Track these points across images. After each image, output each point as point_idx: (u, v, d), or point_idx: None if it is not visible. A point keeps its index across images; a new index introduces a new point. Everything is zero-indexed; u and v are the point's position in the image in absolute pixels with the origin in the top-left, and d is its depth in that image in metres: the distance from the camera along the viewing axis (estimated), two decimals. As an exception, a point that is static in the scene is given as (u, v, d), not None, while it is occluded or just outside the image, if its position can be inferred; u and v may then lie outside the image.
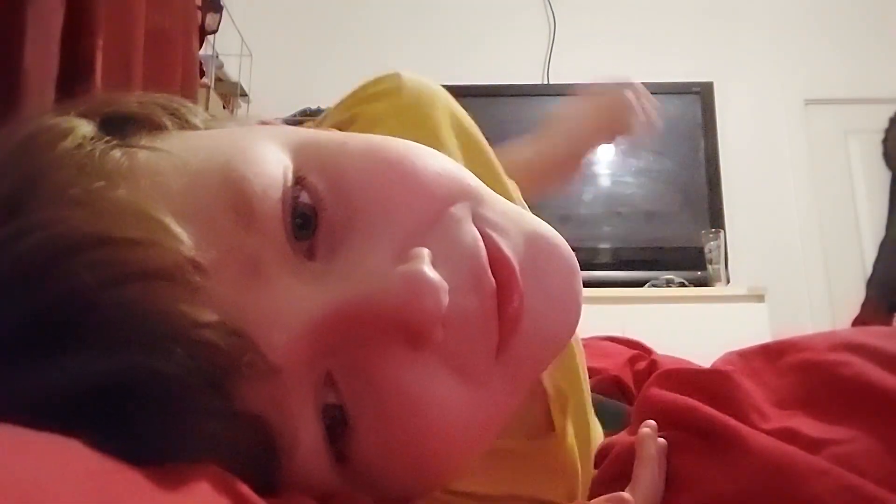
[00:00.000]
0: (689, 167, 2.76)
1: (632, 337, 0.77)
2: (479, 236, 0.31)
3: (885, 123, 2.24)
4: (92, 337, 0.23)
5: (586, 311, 0.35)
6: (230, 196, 0.27)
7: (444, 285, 0.27)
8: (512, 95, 2.74)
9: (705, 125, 2.79)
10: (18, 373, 0.23)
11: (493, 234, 0.31)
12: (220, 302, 0.25)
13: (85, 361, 0.23)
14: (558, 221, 0.56)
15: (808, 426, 0.34)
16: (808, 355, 0.38)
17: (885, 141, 2.25)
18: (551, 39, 2.95)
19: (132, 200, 0.25)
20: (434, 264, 0.28)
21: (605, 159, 2.79)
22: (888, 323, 1.82)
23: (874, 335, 0.38)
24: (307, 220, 0.29)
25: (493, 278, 0.30)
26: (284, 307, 0.26)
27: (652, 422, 0.37)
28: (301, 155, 0.30)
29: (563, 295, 0.33)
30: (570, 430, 0.46)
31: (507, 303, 0.30)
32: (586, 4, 2.99)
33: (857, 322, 1.89)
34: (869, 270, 2.11)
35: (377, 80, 0.50)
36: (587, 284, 0.37)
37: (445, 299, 0.27)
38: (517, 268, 0.30)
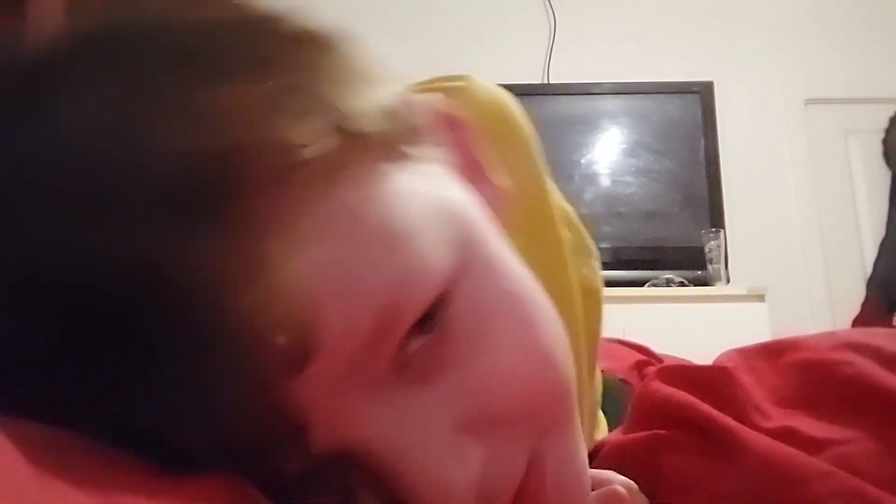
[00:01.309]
0: (689, 167, 2.76)
1: (632, 336, 0.77)
2: (524, 470, 0.28)
3: (885, 123, 2.24)
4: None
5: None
6: (385, 303, 0.24)
7: None
8: (512, 95, 2.74)
9: (705, 125, 2.79)
10: None
11: (535, 475, 0.28)
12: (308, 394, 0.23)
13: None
14: (558, 221, 0.56)
15: (809, 426, 0.34)
16: (808, 354, 0.38)
17: (885, 141, 2.24)
18: (551, 39, 2.95)
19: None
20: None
21: (605, 159, 2.79)
22: (888, 323, 1.82)
23: (875, 335, 0.38)
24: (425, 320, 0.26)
25: None
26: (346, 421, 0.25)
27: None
28: (460, 263, 0.27)
29: None
30: None
31: None
32: (586, 4, 2.99)
33: (857, 322, 1.89)
34: (869, 270, 2.10)
35: (445, 78, 0.45)
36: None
37: None
38: None
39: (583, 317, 0.44)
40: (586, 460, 0.32)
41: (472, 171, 0.32)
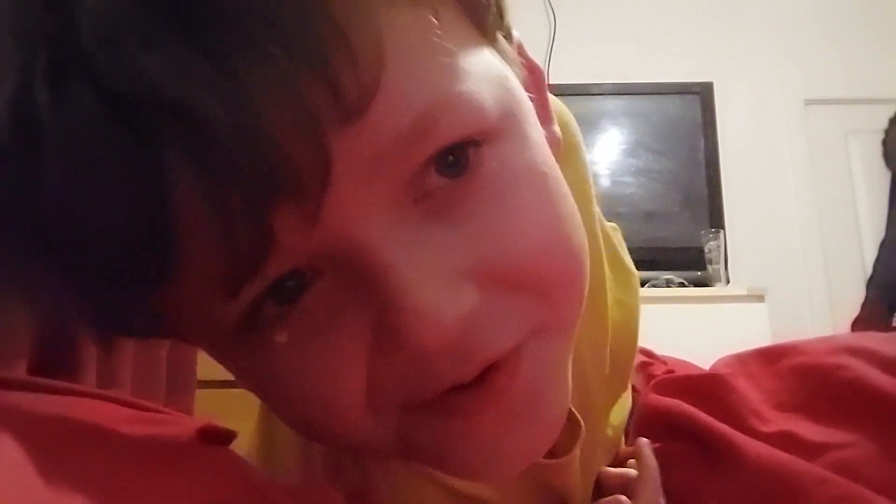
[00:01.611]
0: (689, 167, 2.76)
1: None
2: (505, 347, 0.27)
3: (885, 123, 2.24)
4: None
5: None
6: (426, 110, 0.25)
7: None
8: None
9: (705, 125, 2.79)
10: None
11: (505, 373, 0.27)
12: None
13: None
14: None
15: (808, 430, 0.34)
16: (806, 359, 0.38)
17: (884, 141, 2.25)
18: (551, 39, 2.95)
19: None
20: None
21: (605, 159, 2.79)
22: (888, 322, 1.82)
23: (872, 339, 0.38)
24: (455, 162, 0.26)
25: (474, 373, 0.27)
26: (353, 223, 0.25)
27: (645, 440, 0.36)
28: (501, 122, 0.27)
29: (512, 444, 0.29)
30: (578, 454, 0.45)
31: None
32: (586, 4, 2.99)
33: (858, 322, 1.89)
34: (869, 270, 2.11)
35: None
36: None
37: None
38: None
39: (611, 331, 0.44)
40: (568, 379, 0.31)
41: (540, 111, 0.33)
